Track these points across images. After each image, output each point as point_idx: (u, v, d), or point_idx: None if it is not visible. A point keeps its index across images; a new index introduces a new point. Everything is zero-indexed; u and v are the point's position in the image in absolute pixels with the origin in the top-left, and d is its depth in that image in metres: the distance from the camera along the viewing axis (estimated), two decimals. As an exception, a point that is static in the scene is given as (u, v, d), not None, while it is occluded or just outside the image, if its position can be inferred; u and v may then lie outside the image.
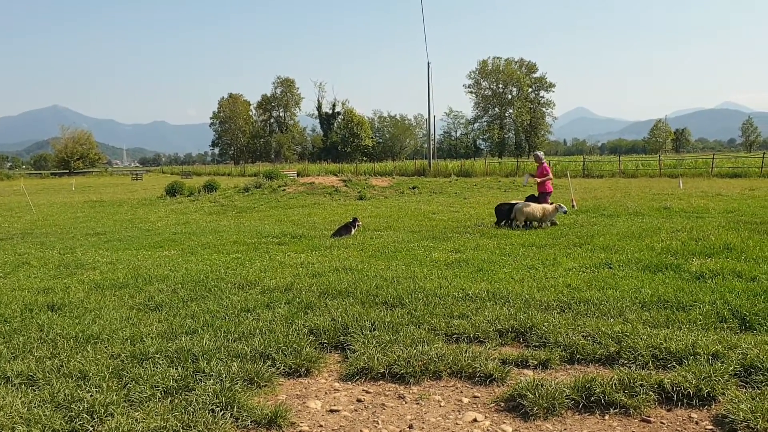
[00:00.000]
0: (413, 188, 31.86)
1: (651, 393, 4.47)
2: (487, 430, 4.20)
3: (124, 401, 4.46)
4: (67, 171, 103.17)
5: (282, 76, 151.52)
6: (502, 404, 4.54)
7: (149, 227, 18.37)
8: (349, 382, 5.08)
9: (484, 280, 8.26)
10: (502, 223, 15.02)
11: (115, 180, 78.15)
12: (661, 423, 4.19)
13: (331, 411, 4.56)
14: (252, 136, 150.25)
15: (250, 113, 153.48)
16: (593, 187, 32.74)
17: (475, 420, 4.33)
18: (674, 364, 4.96)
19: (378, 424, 4.33)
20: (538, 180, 15.36)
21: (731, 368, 4.73)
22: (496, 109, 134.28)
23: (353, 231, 14.10)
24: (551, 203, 15.05)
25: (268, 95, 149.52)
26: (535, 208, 14.47)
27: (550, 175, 15.53)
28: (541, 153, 16.25)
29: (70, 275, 9.78)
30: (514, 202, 15.45)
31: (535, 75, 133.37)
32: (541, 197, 15.26)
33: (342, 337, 5.97)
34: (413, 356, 5.27)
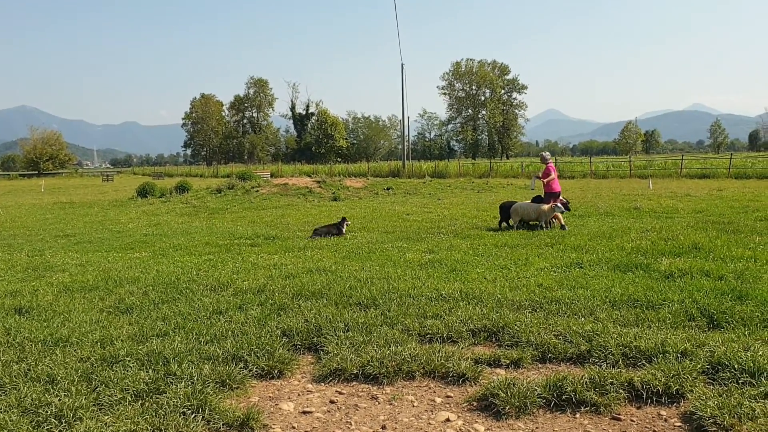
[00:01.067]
0: (387, 189, 31.89)
1: (621, 391, 4.52)
2: (460, 429, 4.22)
3: (94, 405, 4.40)
4: (36, 172, 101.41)
5: (255, 77, 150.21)
6: (475, 404, 4.56)
7: (120, 229, 18.14)
8: (322, 384, 5.06)
9: (457, 280, 8.30)
10: (503, 224, 14.88)
11: (86, 181, 76.96)
12: (631, 420, 4.25)
13: (304, 412, 4.54)
14: (225, 136, 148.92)
15: (223, 114, 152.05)
16: (565, 188, 32.99)
17: (447, 420, 4.35)
18: (644, 362, 5.02)
19: (351, 425, 4.32)
20: (544, 181, 15.04)
21: (699, 366, 4.80)
22: (470, 110, 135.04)
23: (344, 230, 14.18)
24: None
25: (241, 96, 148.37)
26: (529, 207, 14.36)
27: (553, 175, 15.01)
28: (547, 153, 15.76)
29: (38, 278, 9.62)
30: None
31: (507, 77, 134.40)
32: (546, 198, 14.88)
33: (315, 339, 5.95)
34: (386, 357, 5.27)
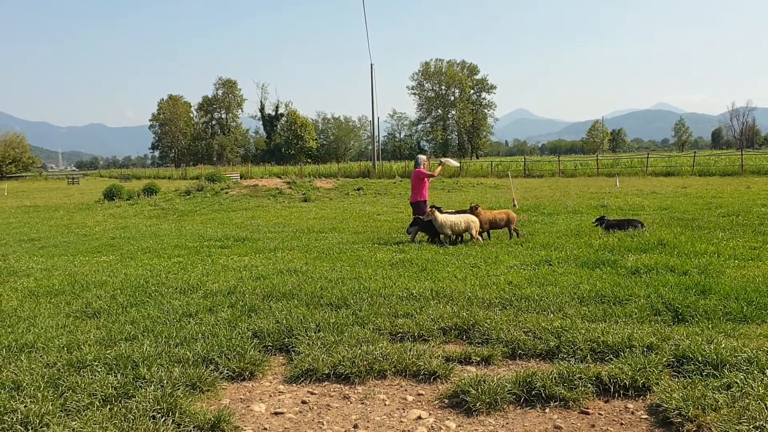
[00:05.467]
0: (358, 190, 31.89)
1: (589, 385, 4.59)
2: (431, 427, 4.24)
3: (61, 411, 4.33)
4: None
5: (223, 77, 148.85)
6: (446, 401, 4.59)
7: (86, 232, 17.86)
8: (294, 384, 5.05)
9: (427, 279, 8.33)
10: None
11: (51, 184, 75.59)
12: (600, 414, 4.31)
13: (276, 413, 4.53)
14: (193, 138, 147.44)
15: (191, 115, 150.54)
16: (534, 187, 33.41)
17: (419, 417, 4.37)
18: (611, 356, 5.11)
19: (323, 424, 4.32)
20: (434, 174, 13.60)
21: (665, 359, 4.90)
22: (439, 110, 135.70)
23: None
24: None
25: (210, 97, 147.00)
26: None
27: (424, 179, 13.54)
28: (423, 156, 14.02)
29: (2, 283, 9.44)
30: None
31: (476, 77, 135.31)
32: (422, 207, 13.19)
33: (286, 340, 5.93)
34: (358, 356, 5.28)
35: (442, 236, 12.20)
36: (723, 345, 5.04)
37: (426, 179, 13.45)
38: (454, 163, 15.56)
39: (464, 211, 12.85)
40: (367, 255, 10.63)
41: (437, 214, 11.93)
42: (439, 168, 14.03)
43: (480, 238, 12.15)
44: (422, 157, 13.85)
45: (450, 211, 13.04)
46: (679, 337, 5.39)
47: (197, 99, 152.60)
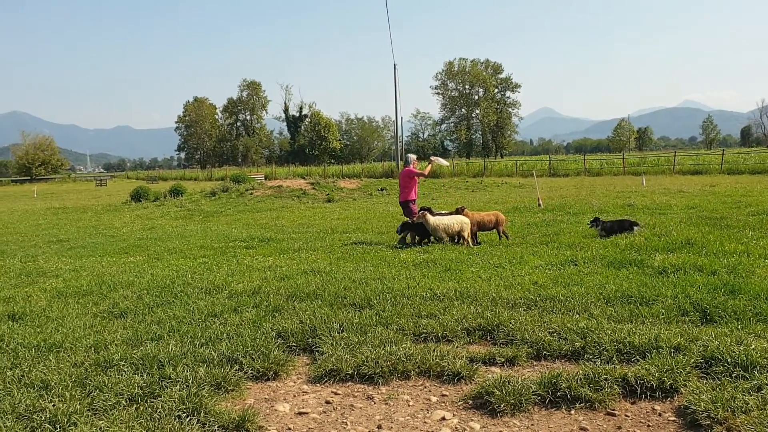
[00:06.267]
0: (381, 190, 31.91)
1: (615, 387, 4.53)
2: (455, 427, 4.22)
3: (88, 410, 4.38)
4: (29, 178, 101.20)
5: (248, 79, 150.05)
6: (470, 402, 4.57)
7: (114, 233, 18.10)
8: (318, 384, 5.06)
9: (451, 279, 8.29)
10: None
11: (79, 186, 76.83)
12: (626, 416, 4.26)
13: (300, 413, 4.54)
14: (218, 139, 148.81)
15: (216, 117, 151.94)
16: (559, 186, 33.14)
17: (443, 418, 4.35)
18: (638, 357, 5.04)
19: (347, 425, 4.32)
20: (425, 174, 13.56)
21: (693, 360, 4.82)
22: (463, 110, 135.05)
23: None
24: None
25: (234, 98, 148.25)
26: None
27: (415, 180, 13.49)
28: (413, 155, 13.86)
29: (31, 283, 9.59)
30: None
31: (500, 76, 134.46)
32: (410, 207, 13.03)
33: (310, 340, 5.94)
34: (381, 357, 5.27)
35: (435, 239, 11.93)
36: (753, 346, 4.94)
37: (416, 178, 13.43)
38: (443, 162, 15.43)
39: (451, 213, 12.70)
40: (390, 255, 10.63)
41: (429, 216, 11.77)
42: (429, 167, 13.98)
43: (471, 240, 12.00)
44: (412, 156, 13.81)
45: (444, 212, 12.98)
46: (708, 337, 5.29)
47: (222, 101, 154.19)
